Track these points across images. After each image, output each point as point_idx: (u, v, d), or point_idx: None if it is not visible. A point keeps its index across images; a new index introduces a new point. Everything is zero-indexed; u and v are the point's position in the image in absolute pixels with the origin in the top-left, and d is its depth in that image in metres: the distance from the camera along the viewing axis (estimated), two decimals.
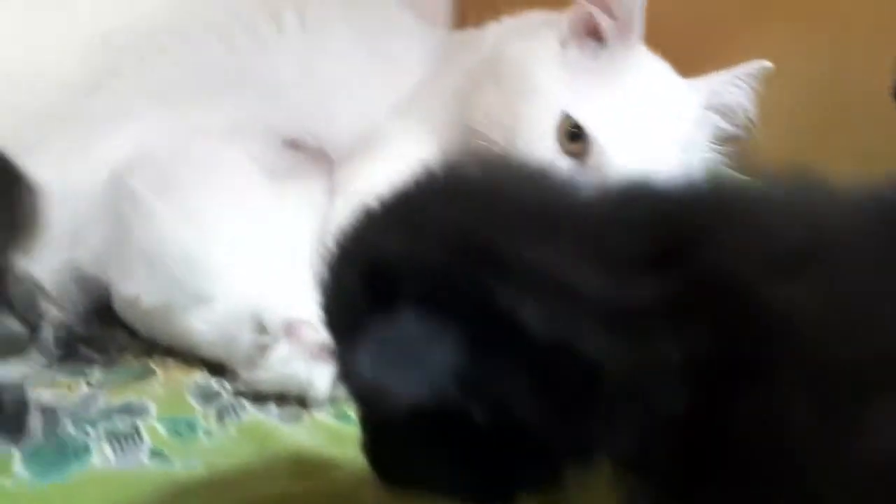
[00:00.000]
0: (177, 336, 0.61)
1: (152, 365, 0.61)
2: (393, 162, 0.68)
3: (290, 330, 0.56)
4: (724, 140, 0.79)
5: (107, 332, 0.64)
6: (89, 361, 0.64)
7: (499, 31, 0.86)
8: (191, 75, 0.84)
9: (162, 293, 0.59)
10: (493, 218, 0.35)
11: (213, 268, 0.59)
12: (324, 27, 0.90)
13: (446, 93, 0.83)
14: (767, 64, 0.76)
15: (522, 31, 0.79)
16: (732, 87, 0.76)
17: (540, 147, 0.71)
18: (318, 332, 0.55)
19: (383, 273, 0.35)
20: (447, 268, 0.34)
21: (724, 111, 0.78)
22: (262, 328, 0.57)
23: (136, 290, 0.59)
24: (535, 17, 0.89)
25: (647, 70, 0.74)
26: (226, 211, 0.61)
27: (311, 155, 0.85)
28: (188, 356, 0.61)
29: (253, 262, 0.60)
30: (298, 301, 0.57)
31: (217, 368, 0.60)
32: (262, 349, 0.56)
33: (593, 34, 0.75)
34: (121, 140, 0.75)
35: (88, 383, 0.59)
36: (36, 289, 0.49)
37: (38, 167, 0.72)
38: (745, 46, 0.84)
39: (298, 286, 0.59)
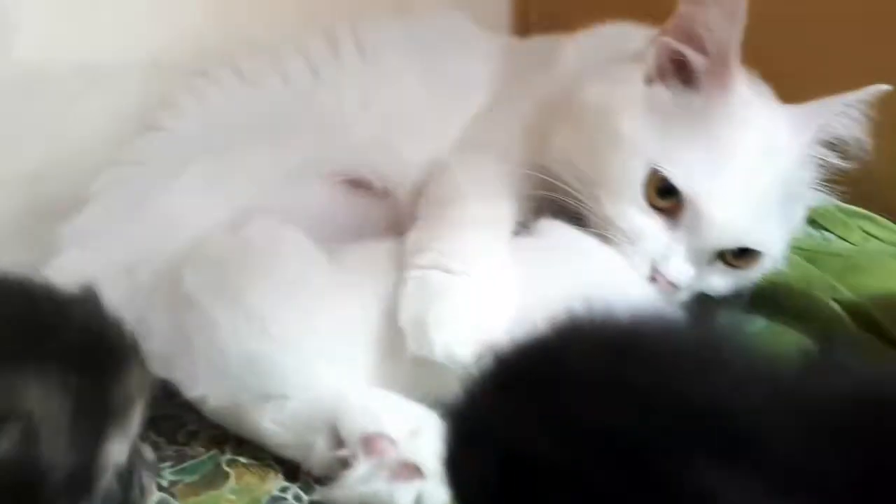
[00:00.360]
0: (248, 434, 0.57)
1: (224, 466, 0.57)
2: (466, 229, 0.63)
3: (369, 445, 0.51)
4: (835, 174, 0.71)
5: (175, 411, 0.60)
6: (158, 451, 0.59)
7: (575, 56, 0.78)
8: (247, 112, 0.78)
9: (229, 394, 0.55)
10: (666, 417, 0.28)
11: (279, 370, 0.55)
12: (382, 50, 0.83)
13: (517, 126, 0.75)
14: (884, 87, 0.67)
15: (604, 71, 0.70)
16: (844, 117, 0.68)
17: (626, 203, 0.64)
18: (397, 449, 0.51)
19: (523, 468, 0.30)
20: (605, 475, 0.28)
21: (835, 145, 0.70)
22: (338, 440, 0.53)
23: (202, 391, 0.55)
24: (612, 31, 0.82)
25: (745, 115, 0.65)
26: (288, 308, 0.56)
27: (375, 197, 0.79)
28: (261, 453, 0.57)
29: (321, 364, 0.56)
30: (376, 411, 0.53)
31: (293, 470, 0.56)
32: (341, 463, 0.52)
33: (683, 70, 0.67)
34: (178, 202, 0.70)
35: (160, 487, 0.55)
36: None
37: (95, 227, 0.69)
38: (859, 68, 0.76)
39: (373, 393, 0.55)
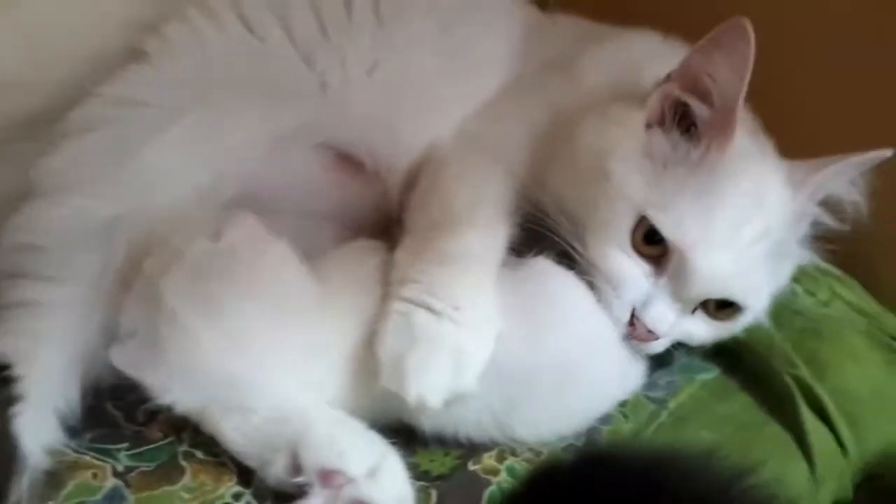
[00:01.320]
0: (209, 432, 0.57)
1: (181, 459, 0.57)
2: (455, 263, 0.61)
3: (327, 479, 0.52)
4: (827, 234, 0.72)
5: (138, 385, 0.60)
6: (115, 427, 0.60)
7: (594, 73, 0.74)
8: (243, 62, 0.73)
9: (198, 403, 0.55)
10: None
11: (253, 388, 0.55)
12: (399, 10, 0.78)
13: (525, 137, 0.73)
14: (888, 152, 0.67)
15: (605, 110, 0.68)
16: (844, 178, 0.68)
17: (612, 247, 0.63)
18: (354, 487, 0.53)
19: None
20: None
21: (832, 206, 0.70)
22: (297, 466, 0.53)
23: (170, 398, 0.54)
24: (638, 45, 0.78)
25: (740, 168, 0.64)
26: (269, 327, 0.55)
27: (365, 177, 0.77)
28: (219, 448, 0.57)
29: (293, 384, 0.56)
30: (338, 445, 0.54)
31: (248, 474, 0.56)
32: (296, 487, 0.53)
33: (684, 118, 0.65)
34: (162, 159, 0.66)
35: (115, 471, 0.56)
36: None
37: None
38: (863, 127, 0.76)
39: (339, 423, 0.56)
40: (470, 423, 0.59)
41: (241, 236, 0.58)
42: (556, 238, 0.66)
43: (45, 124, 0.70)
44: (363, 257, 0.63)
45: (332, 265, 0.62)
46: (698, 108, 0.64)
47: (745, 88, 0.62)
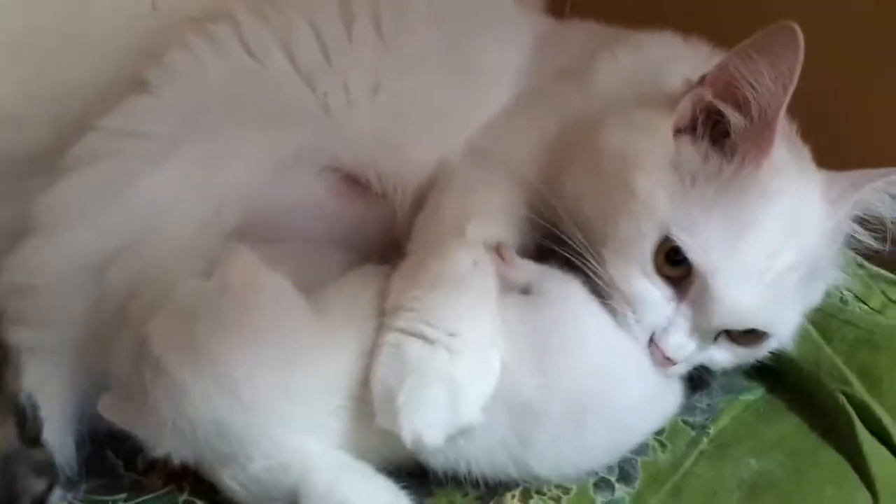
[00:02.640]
0: (208, 479, 0.54)
1: None
2: (450, 286, 0.56)
3: None
4: (865, 254, 0.66)
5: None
6: (115, 476, 0.57)
7: (611, 78, 0.70)
8: (244, 88, 0.70)
9: (193, 455, 0.52)
10: None
11: (248, 436, 0.51)
12: (402, 32, 0.75)
13: (534, 144, 0.68)
14: None
15: (630, 115, 0.62)
16: (885, 194, 0.62)
17: (632, 266, 0.58)
18: None
19: None
20: None
21: (869, 223, 0.64)
22: None
23: (162, 451, 0.51)
24: (656, 47, 0.74)
25: (776, 187, 0.59)
26: (263, 372, 0.51)
27: (372, 199, 0.73)
28: (220, 496, 0.54)
29: (292, 429, 0.52)
30: (340, 496, 0.50)
31: None
32: None
33: (716, 126, 0.60)
34: (160, 191, 0.64)
35: None
36: None
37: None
38: None
39: (341, 471, 0.52)
40: (482, 459, 0.54)
41: (235, 272, 0.54)
42: (570, 255, 0.60)
43: (47, 161, 0.69)
44: (365, 285, 0.59)
45: (332, 296, 0.58)
46: (734, 118, 0.58)
47: (787, 100, 0.56)
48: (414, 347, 0.53)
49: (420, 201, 0.70)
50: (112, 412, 0.51)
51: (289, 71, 0.71)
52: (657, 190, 0.58)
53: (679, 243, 0.57)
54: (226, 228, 0.66)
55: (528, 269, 0.60)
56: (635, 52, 0.72)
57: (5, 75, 0.75)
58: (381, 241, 0.72)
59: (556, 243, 0.61)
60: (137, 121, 0.68)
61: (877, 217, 0.63)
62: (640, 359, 0.57)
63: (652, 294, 0.58)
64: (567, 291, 0.57)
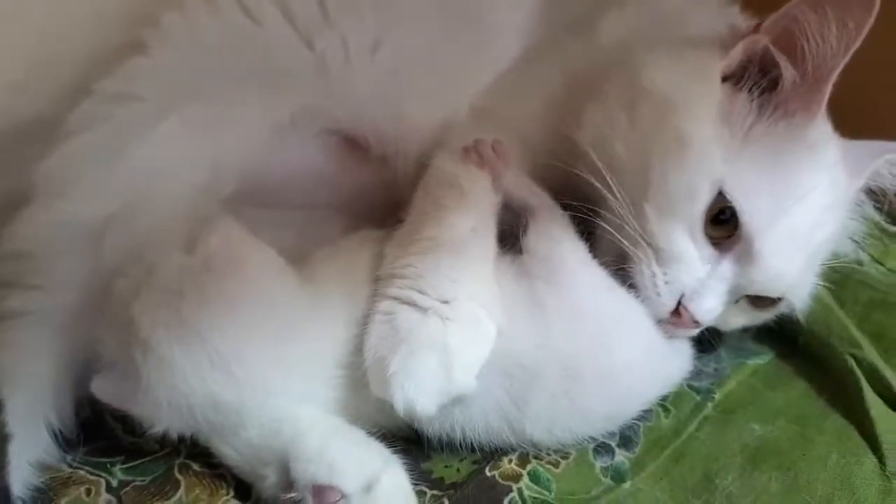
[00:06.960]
0: (204, 444, 0.54)
1: (176, 473, 0.54)
2: (443, 249, 0.54)
3: (319, 496, 0.48)
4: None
5: None
6: (113, 439, 0.57)
7: (621, 27, 0.67)
8: (240, 49, 0.68)
9: (188, 427, 0.52)
10: None
11: (242, 408, 0.51)
12: None
13: (539, 98, 0.66)
14: None
15: (675, 52, 0.59)
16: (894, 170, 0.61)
17: (677, 222, 0.55)
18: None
19: None
20: None
21: (872, 193, 0.63)
22: (289, 481, 0.49)
23: (160, 425, 0.51)
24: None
25: (822, 156, 0.57)
26: (253, 346, 0.51)
27: (372, 161, 0.72)
28: (216, 458, 0.54)
29: (284, 399, 0.52)
30: (331, 459, 0.49)
31: (245, 488, 0.53)
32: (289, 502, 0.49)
33: (766, 75, 0.57)
34: (157, 153, 0.63)
35: (109, 486, 0.54)
36: None
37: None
38: None
39: (333, 434, 0.51)
40: (478, 425, 0.53)
41: (220, 245, 0.53)
42: (587, 209, 0.58)
43: (48, 129, 0.69)
44: (359, 251, 0.57)
45: (325, 263, 0.56)
46: (789, 73, 0.56)
47: (845, 60, 0.53)
48: (406, 316, 0.52)
49: (423, 167, 0.68)
50: (106, 393, 0.51)
51: (286, 29, 0.69)
52: (711, 144, 0.55)
53: (734, 203, 0.55)
54: (224, 192, 0.65)
55: (522, 182, 0.58)
56: (643, 2, 0.69)
57: (3, 41, 0.75)
58: (382, 205, 0.70)
59: (569, 201, 0.59)
60: (134, 84, 0.67)
61: (880, 188, 0.62)
62: (640, 320, 0.56)
63: (692, 254, 0.56)
64: (562, 251, 0.55)
